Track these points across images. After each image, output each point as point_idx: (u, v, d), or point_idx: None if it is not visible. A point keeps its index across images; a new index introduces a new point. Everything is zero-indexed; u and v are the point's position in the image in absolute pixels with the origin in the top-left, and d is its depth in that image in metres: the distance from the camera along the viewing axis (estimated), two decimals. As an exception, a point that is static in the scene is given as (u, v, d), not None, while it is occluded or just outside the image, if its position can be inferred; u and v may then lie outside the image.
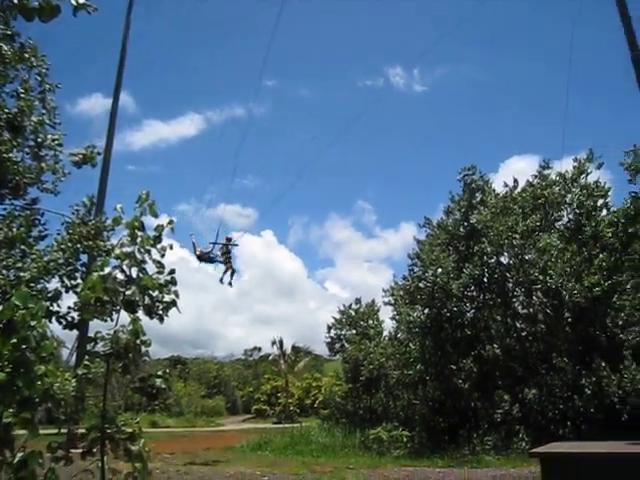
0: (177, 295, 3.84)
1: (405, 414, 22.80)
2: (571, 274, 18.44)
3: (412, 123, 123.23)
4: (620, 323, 18.60)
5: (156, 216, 3.89)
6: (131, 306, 3.68)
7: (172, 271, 3.86)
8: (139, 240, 3.78)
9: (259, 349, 67.33)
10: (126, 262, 3.75)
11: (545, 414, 17.86)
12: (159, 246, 3.84)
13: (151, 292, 3.77)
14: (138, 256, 3.78)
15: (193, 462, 16.75)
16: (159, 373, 3.85)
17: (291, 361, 53.94)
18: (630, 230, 18.49)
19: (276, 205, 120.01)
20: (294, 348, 53.53)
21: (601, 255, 18.68)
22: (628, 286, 18.55)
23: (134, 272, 3.77)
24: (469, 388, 20.25)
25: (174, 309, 3.88)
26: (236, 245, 17.35)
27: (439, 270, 20.48)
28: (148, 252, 3.81)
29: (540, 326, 19.97)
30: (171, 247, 3.91)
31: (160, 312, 3.82)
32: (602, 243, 19.04)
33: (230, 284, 17.65)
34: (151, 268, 3.85)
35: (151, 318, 3.78)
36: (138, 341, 3.61)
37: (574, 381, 17.92)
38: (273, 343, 53.51)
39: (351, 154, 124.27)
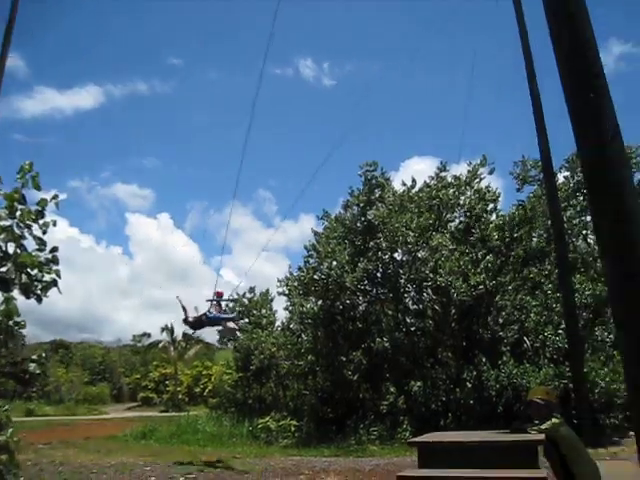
0: (58, 275, 3.60)
1: (294, 404, 23.03)
2: (459, 273, 19.17)
3: (318, 115, 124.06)
4: (501, 321, 19.64)
5: (39, 189, 3.64)
6: (5, 284, 3.41)
7: (54, 249, 3.62)
8: (18, 214, 3.51)
9: (149, 335, 64.86)
10: (2, 236, 3.47)
11: (428, 406, 18.59)
12: (41, 221, 3.59)
13: (29, 270, 3.52)
14: (16, 231, 3.51)
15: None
16: (34, 357, 3.60)
17: (181, 348, 52.86)
18: (515, 235, 19.73)
19: (174, 188, 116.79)
20: (185, 335, 52.17)
21: (487, 257, 19.58)
22: (509, 287, 19.71)
23: (11, 248, 3.50)
24: (358, 380, 20.67)
25: (55, 290, 3.64)
26: (233, 301, 16.15)
27: (334, 263, 20.72)
28: (28, 227, 3.55)
29: (428, 322, 20.69)
30: (54, 223, 3.65)
31: (38, 292, 3.56)
32: (489, 245, 20.01)
33: (227, 343, 16.75)
34: (31, 245, 3.59)
35: (28, 298, 3.52)
36: (11, 322, 3.35)
37: (457, 375, 18.82)
38: (163, 329, 52.13)
39: (256, 141, 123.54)
